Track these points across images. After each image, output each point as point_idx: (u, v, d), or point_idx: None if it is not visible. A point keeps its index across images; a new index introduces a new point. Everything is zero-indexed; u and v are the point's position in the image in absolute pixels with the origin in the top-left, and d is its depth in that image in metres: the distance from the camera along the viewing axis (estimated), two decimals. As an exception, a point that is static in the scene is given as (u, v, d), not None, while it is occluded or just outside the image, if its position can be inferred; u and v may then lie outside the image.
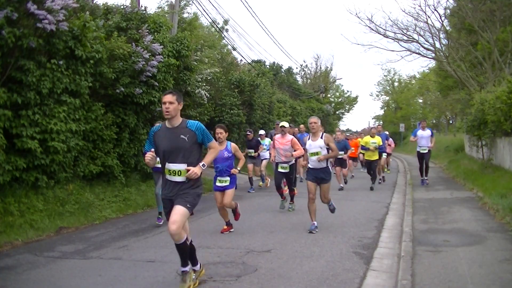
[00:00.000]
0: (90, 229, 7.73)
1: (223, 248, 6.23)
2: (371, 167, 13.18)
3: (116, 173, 10.03)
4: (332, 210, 7.82)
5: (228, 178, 7.19)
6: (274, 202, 10.04)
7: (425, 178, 13.25)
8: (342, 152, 12.71)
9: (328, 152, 7.29)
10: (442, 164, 20.69)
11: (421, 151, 13.01)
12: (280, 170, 9.25)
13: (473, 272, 4.83)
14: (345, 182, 13.60)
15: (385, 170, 16.55)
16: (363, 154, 13.70)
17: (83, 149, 9.19)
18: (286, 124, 9.44)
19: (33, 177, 7.84)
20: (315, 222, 7.30)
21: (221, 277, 4.92)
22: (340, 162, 13.19)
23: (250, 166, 13.13)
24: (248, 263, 5.43)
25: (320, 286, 4.64)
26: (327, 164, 7.30)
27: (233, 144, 7.20)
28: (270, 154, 10.41)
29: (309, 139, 7.40)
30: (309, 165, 7.39)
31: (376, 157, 13.10)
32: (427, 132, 12.98)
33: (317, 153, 7.16)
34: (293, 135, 10.18)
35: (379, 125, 17.34)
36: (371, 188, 12.68)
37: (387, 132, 17.77)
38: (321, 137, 7.25)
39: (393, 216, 8.71)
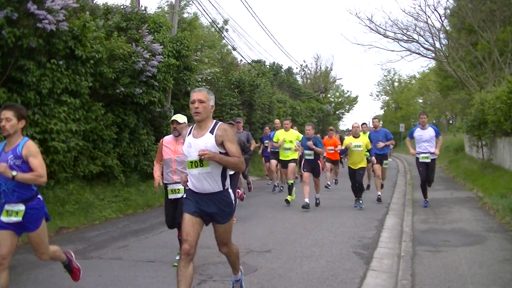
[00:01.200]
0: (90, 229, 7.73)
1: (223, 248, 6.22)
2: (354, 178, 9.48)
3: (116, 173, 10.04)
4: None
5: (22, 208, 3.79)
6: (274, 202, 10.03)
7: (425, 200, 9.35)
8: (311, 152, 9.33)
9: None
10: (442, 164, 20.68)
11: (422, 159, 8.86)
12: (171, 196, 5.37)
13: (473, 272, 4.83)
14: (317, 203, 9.55)
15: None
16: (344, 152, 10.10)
17: (83, 149, 9.19)
18: (180, 119, 5.37)
19: (33, 177, 7.84)
20: None
21: (221, 277, 4.92)
22: (311, 166, 9.51)
23: None
24: (248, 263, 5.42)
25: (320, 286, 4.64)
26: (223, 183, 3.77)
27: (29, 143, 3.83)
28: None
29: (189, 133, 3.90)
30: (189, 185, 3.83)
31: (363, 164, 9.56)
32: (429, 131, 8.83)
33: (201, 163, 3.69)
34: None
35: (375, 118, 11.88)
36: (360, 206, 9.42)
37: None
38: (211, 131, 3.76)
39: (393, 216, 8.71)
